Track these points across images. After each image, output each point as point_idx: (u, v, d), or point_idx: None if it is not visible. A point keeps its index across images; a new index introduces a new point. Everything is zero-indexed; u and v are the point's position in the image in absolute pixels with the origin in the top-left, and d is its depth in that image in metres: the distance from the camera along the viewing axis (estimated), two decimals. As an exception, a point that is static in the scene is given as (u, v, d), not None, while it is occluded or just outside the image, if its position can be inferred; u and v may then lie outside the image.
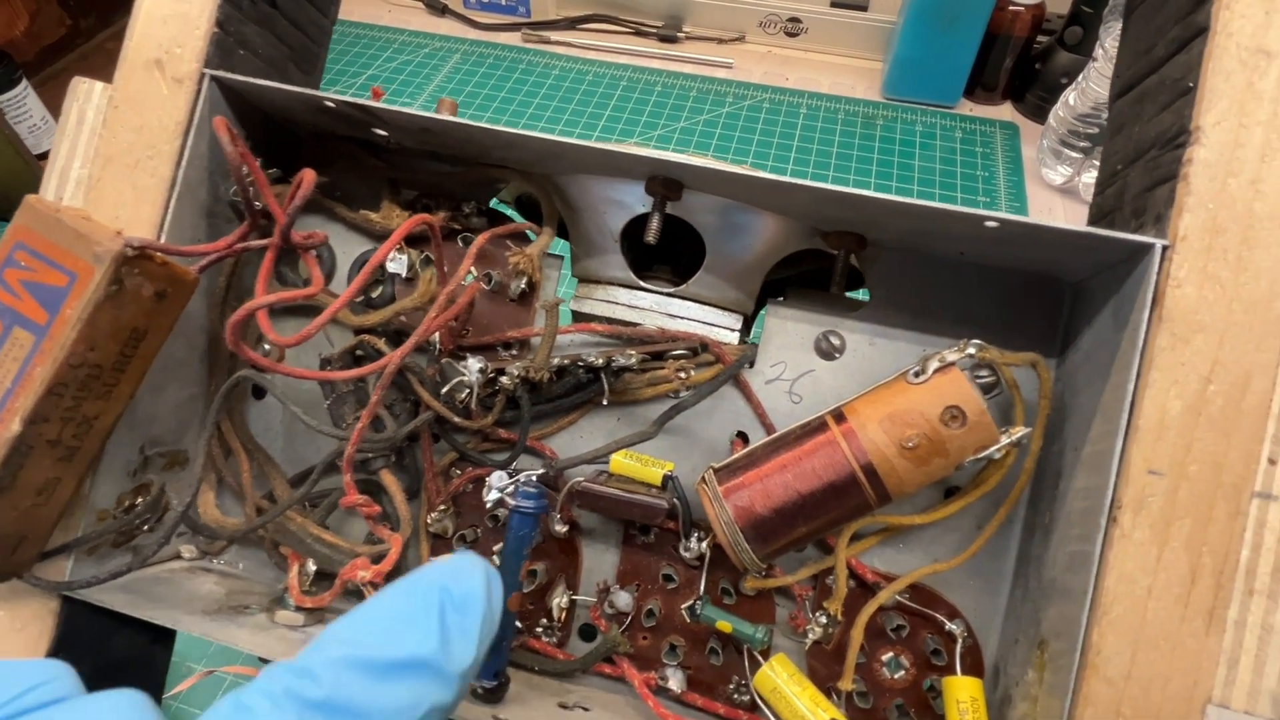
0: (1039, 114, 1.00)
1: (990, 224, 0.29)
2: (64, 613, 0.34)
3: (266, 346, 0.40)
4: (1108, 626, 0.26)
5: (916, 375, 0.30)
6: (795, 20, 1.12)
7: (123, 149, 0.34)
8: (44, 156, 0.87)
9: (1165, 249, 0.27)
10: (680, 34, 1.14)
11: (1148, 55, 0.32)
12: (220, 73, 0.34)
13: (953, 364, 0.30)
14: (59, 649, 0.34)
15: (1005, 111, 1.04)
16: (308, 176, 0.28)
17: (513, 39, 1.15)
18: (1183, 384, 0.26)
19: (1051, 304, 0.35)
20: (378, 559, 0.32)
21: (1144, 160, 0.30)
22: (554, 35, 1.15)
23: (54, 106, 0.89)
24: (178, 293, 0.29)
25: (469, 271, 0.36)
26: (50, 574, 0.33)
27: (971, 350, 0.30)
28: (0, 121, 0.72)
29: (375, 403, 0.31)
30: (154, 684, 0.40)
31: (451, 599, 0.22)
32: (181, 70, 0.34)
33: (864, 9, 1.09)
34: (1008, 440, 0.30)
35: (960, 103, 1.04)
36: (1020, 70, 1.02)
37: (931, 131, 1.00)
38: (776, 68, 1.11)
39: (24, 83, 0.84)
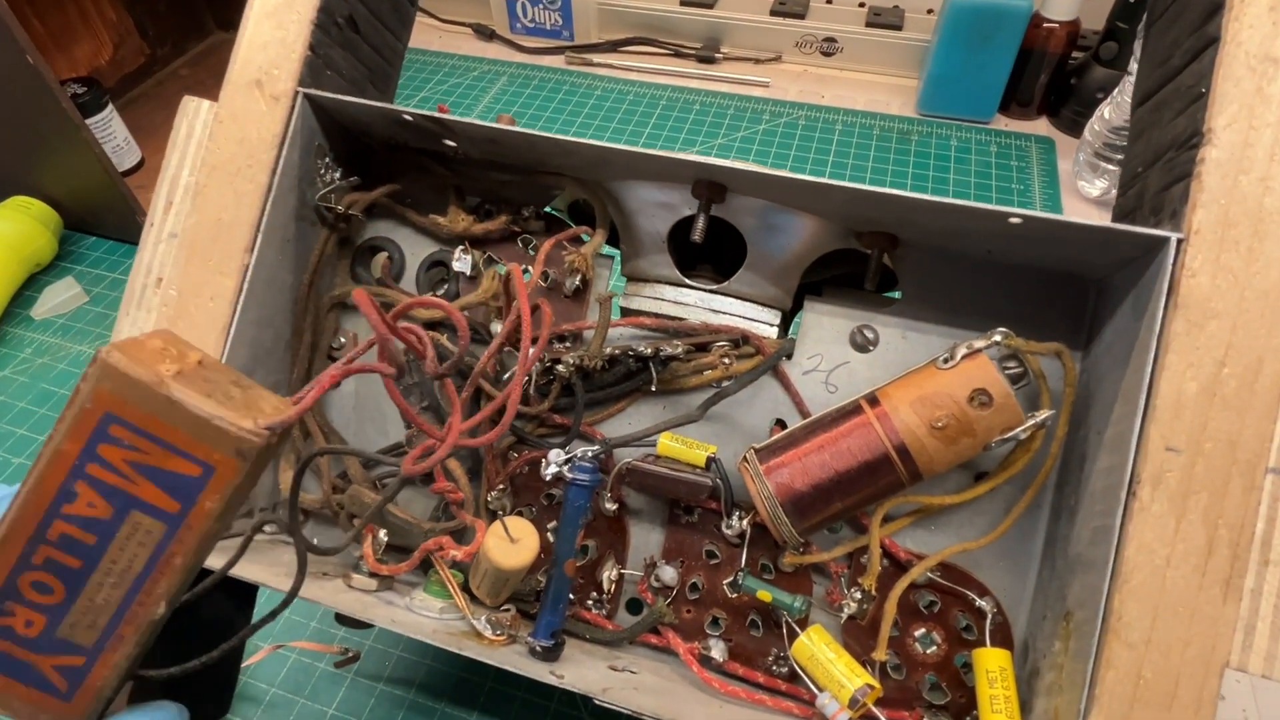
0: (1074, 128, 1.01)
1: (1014, 220, 0.31)
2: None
3: (343, 340, 0.44)
4: (1128, 594, 0.28)
5: (945, 361, 0.32)
6: (831, 40, 1.15)
7: (226, 159, 0.38)
8: (128, 174, 0.93)
9: (1180, 241, 0.29)
10: (718, 55, 1.18)
11: (1164, 66, 0.34)
12: (311, 90, 0.38)
13: (980, 351, 0.32)
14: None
15: (1040, 126, 1.05)
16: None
17: (557, 62, 1.20)
18: (1198, 366, 0.28)
19: (1076, 301, 0.37)
20: (452, 534, 0.35)
21: (1161, 162, 0.32)
22: (596, 58, 1.20)
23: (134, 128, 0.96)
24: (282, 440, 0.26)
25: (542, 270, 0.39)
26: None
27: (998, 338, 0.32)
28: (91, 141, 0.78)
29: (471, 384, 0.34)
30: (233, 651, 0.43)
31: None
32: (278, 89, 0.38)
33: (899, 28, 1.11)
34: (1032, 422, 0.32)
35: (995, 118, 1.05)
36: (1055, 86, 1.03)
37: (966, 146, 1.02)
38: (812, 86, 1.14)
39: (110, 107, 0.91)
